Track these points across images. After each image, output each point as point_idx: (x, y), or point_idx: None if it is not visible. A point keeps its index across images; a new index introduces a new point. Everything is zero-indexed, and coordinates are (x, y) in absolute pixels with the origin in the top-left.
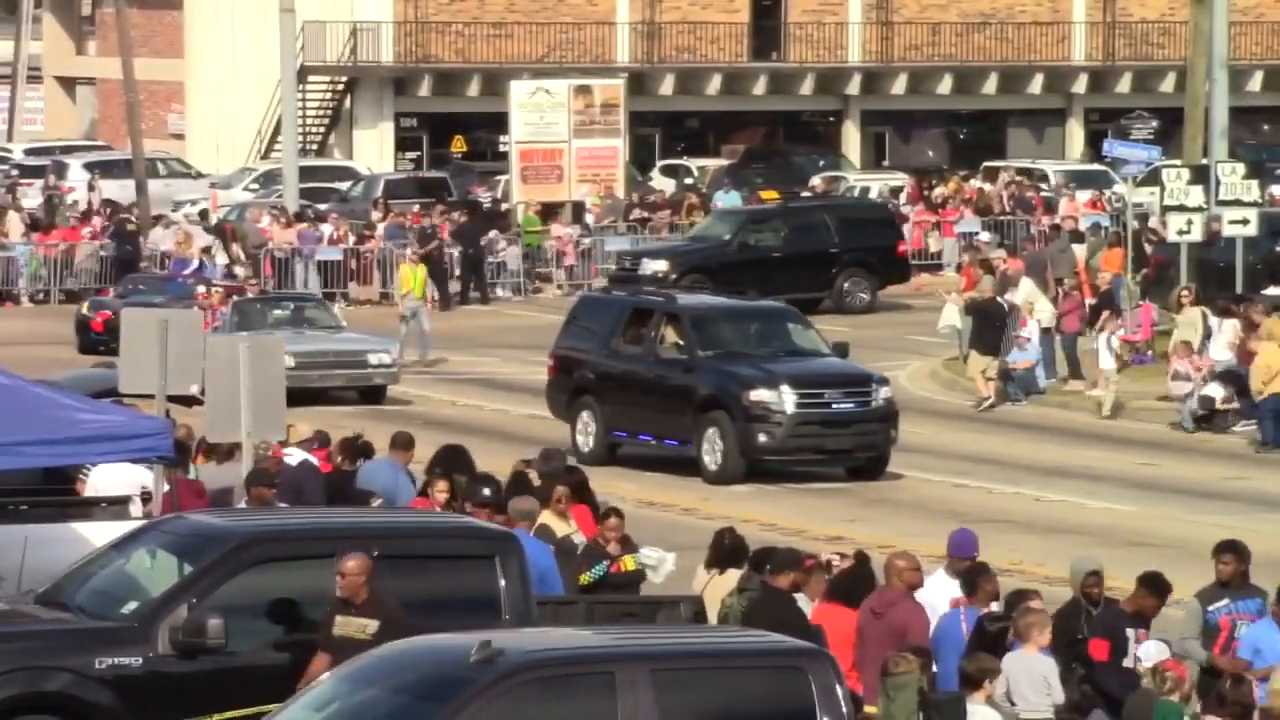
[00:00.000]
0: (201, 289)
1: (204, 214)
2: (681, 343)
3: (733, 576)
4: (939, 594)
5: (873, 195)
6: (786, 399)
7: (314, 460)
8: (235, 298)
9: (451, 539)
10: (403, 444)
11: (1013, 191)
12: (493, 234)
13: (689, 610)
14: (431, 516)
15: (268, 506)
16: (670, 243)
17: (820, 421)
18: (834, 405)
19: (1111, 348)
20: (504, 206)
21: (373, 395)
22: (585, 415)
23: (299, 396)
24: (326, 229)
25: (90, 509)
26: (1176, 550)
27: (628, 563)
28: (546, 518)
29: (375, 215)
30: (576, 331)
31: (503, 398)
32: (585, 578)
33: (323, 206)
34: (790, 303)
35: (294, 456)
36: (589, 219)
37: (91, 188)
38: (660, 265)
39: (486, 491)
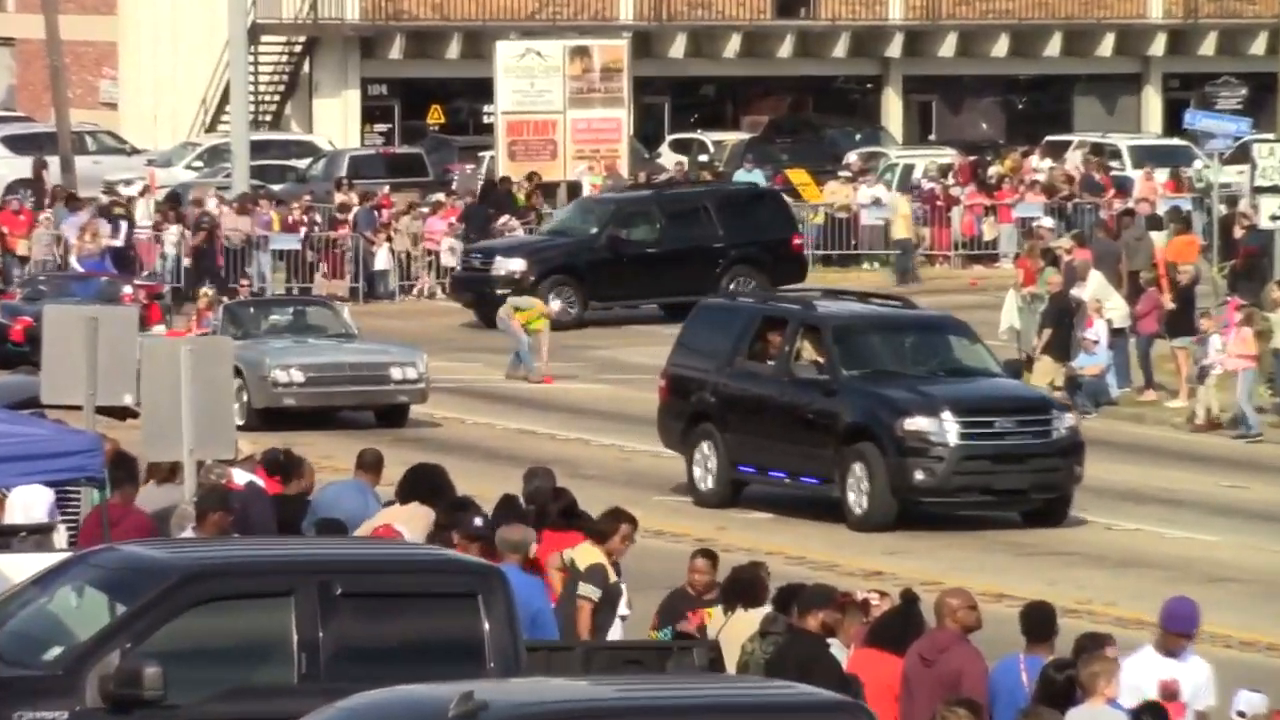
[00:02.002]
0: (128, 290)
1: (144, 193)
2: (821, 360)
3: (754, 617)
4: (1146, 676)
5: (917, 174)
6: (948, 428)
7: (260, 482)
8: (225, 300)
9: (428, 574)
10: (371, 464)
11: (1080, 170)
12: (505, 219)
13: (703, 656)
14: (404, 548)
15: (219, 536)
16: (527, 238)
17: (989, 456)
18: (1006, 436)
19: (1216, 349)
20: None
21: (392, 416)
22: (705, 447)
23: (304, 419)
24: (273, 213)
25: (7, 538)
26: (1266, 585)
27: (710, 614)
28: (590, 554)
29: (339, 197)
30: (694, 345)
31: (560, 420)
32: (655, 635)
33: (277, 187)
34: (666, 307)
35: (237, 478)
36: None
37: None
38: (516, 264)
39: (479, 522)
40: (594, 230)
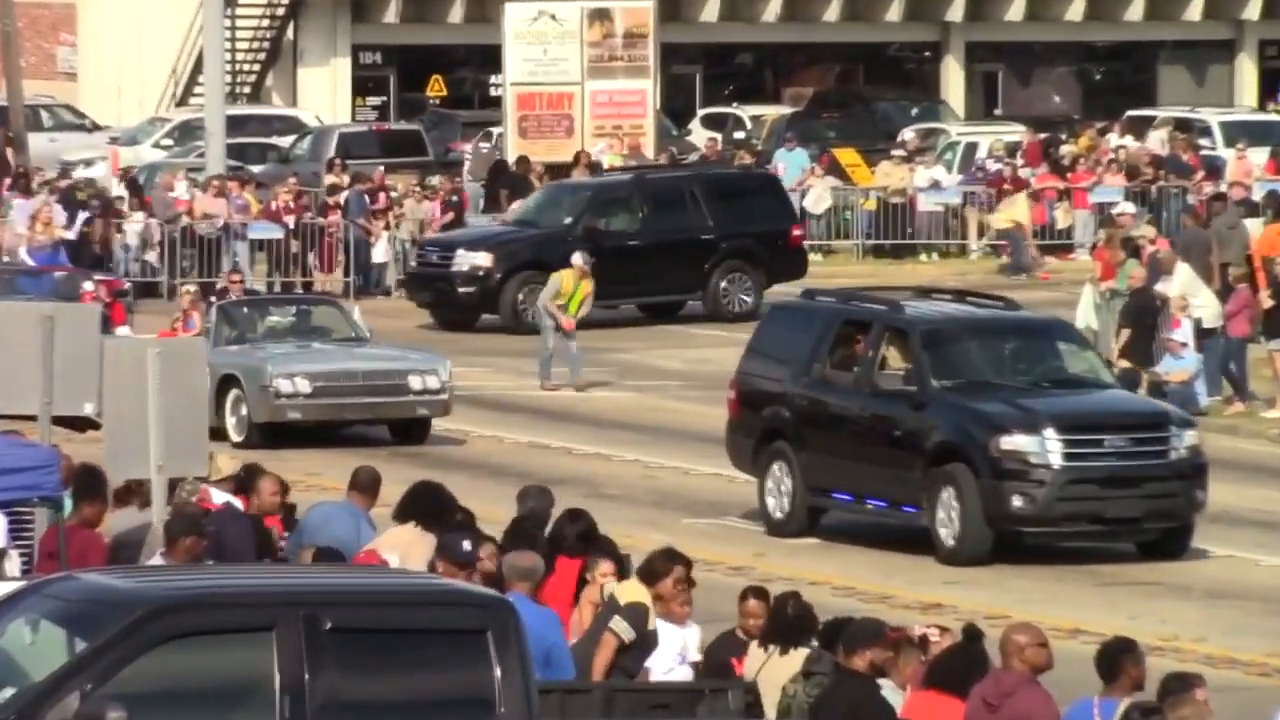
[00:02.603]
0: (89, 286)
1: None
2: (909, 368)
3: (797, 656)
4: None
5: (981, 154)
6: (1051, 448)
7: (238, 504)
8: (215, 300)
9: (429, 608)
10: (365, 484)
11: (1165, 149)
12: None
13: (739, 700)
14: (402, 578)
15: (193, 563)
16: (491, 229)
17: (1098, 479)
18: (1117, 457)
19: None
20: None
21: (411, 432)
22: (778, 469)
23: (310, 434)
24: (248, 196)
25: None
26: None
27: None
28: (635, 592)
29: (329, 179)
30: (767, 351)
31: (578, 433)
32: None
33: (257, 169)
34: (649, 308)
35: (214, 497)
36: None
37: None
38: (481, 259)
39: (466, 546)
40: (567, 220)
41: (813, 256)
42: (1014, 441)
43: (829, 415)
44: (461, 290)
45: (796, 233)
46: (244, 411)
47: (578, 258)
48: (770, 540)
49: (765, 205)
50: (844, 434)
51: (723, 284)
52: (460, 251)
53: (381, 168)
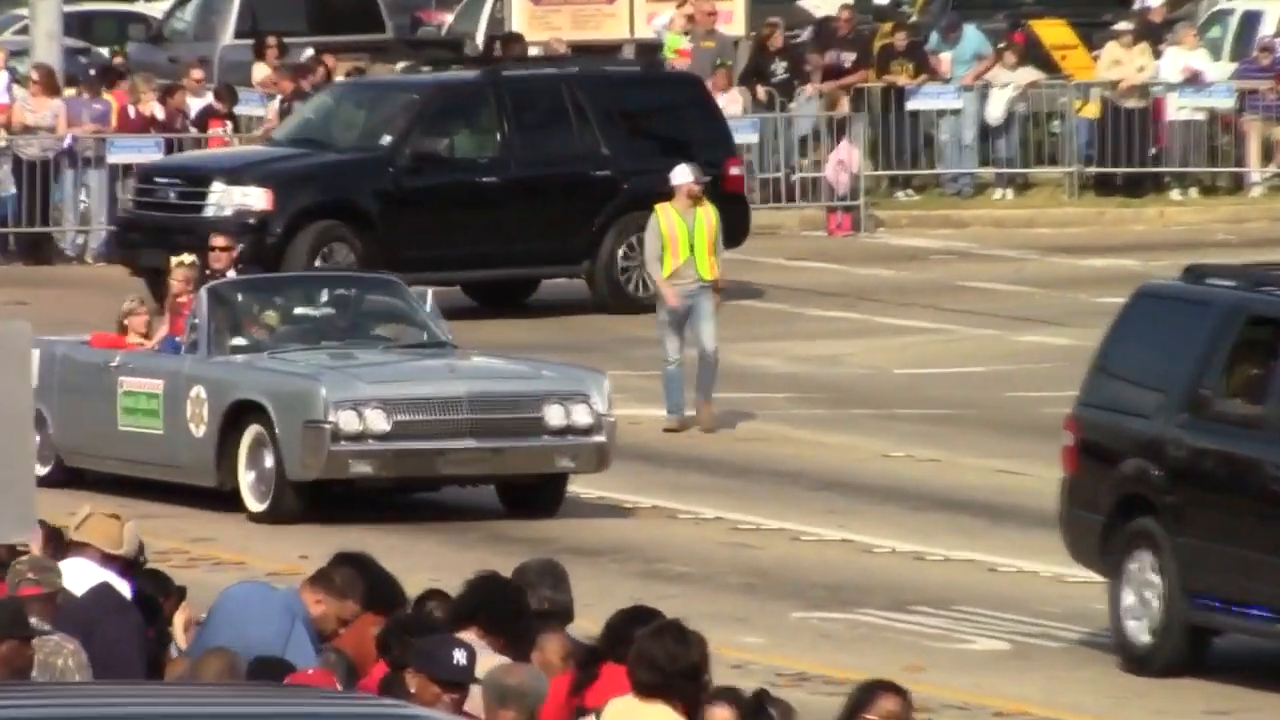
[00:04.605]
0: None
1: None
2: None
3: None
4: None
5: (1265, 31)
6: None
7: (120, 583)
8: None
9: None
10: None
11: None
12: None
13: None
14: (349, 704)
15: (21, 682)
16: (254, 151)
17: None
18: None
19: None
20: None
21: (540, 494)
22: (1141, 563)
23: (372, 500)
24: (109, 97)
25: None
26: None
27: None
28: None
29: (256, 73)
30: (1124, 370)
31: (678, 483)
32: None
33: (113, 53)
34: (500, 287)
35: (79, 573)
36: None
37: None
38: (252, 198)
39: (460, 658)
40: (387, 139)
41: (1000, 193)
42: None
43: (1226, 474)
44: (215, 246)
45: (734, 170)
46: (271, 462)
47: (685, 172)
48: (1125, 681)
49: (688, 120)
50: (1251, 506)
51: (620, 251)
52: (218, 185)
53: (311, 50)
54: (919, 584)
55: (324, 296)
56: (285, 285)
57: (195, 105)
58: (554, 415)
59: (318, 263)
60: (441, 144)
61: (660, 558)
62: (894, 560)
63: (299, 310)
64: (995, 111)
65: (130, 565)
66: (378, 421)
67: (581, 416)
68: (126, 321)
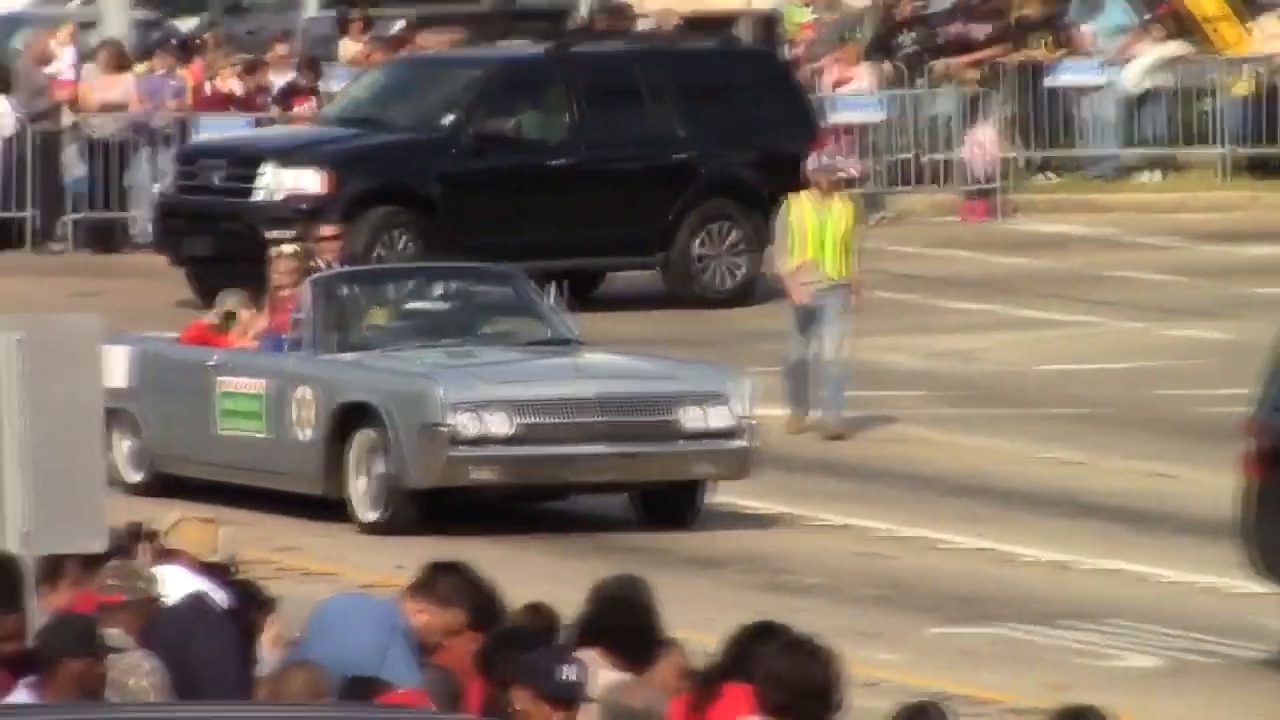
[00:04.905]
0: None
1: None
2: None
3: None
4: None
5: None
6: None
7: (213, 589)
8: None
9: None
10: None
11: None
12: None
13: None
14: None
15: (81, 700)
16: (308, 132)
17: None
18: None
19: None
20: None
21: (676, 505)
22: None
23: (495, 508)
24: (183, 72)
25: None
26: None
27: None
28: None
29: (344, 49)
30: None
31: (802, 488)
32: None
33: (188, 26)
34: (570, 277)
35: (174, 581)
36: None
37: None
38: (306, 180)
39: (572, 673)
40: (448, 119)
41: (1146, 176)
42: None
43: None
44: (271, 236)
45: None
46: (384, 468)
47: (818, 160)
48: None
49: (770, 103)
50: None
51: (697, 240)
52: (270, 168)
53: (403, 21)
54: (1063, 595)
55: (439, 290)
56: (398, 277)
57: (277, 81)
58: (691, 418)
59: (380, 252)
60: (508, 125)
61: (787, 569)
62: (1036, 570)
63: (412, 305)
64: (1131, 80)
65: (225, 573)
66: (500, 425)
67: (720, 419)
68: (235, 316)
